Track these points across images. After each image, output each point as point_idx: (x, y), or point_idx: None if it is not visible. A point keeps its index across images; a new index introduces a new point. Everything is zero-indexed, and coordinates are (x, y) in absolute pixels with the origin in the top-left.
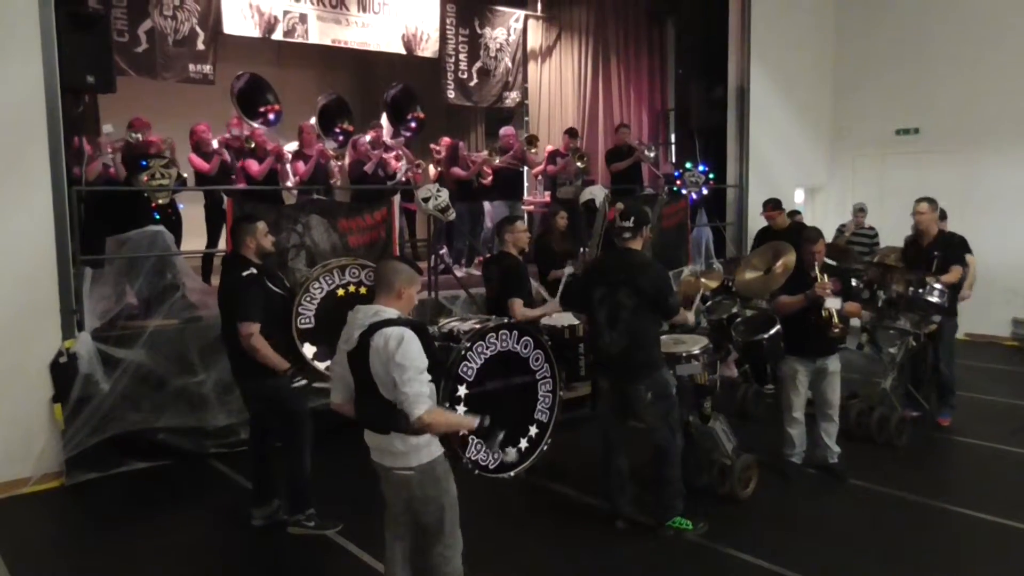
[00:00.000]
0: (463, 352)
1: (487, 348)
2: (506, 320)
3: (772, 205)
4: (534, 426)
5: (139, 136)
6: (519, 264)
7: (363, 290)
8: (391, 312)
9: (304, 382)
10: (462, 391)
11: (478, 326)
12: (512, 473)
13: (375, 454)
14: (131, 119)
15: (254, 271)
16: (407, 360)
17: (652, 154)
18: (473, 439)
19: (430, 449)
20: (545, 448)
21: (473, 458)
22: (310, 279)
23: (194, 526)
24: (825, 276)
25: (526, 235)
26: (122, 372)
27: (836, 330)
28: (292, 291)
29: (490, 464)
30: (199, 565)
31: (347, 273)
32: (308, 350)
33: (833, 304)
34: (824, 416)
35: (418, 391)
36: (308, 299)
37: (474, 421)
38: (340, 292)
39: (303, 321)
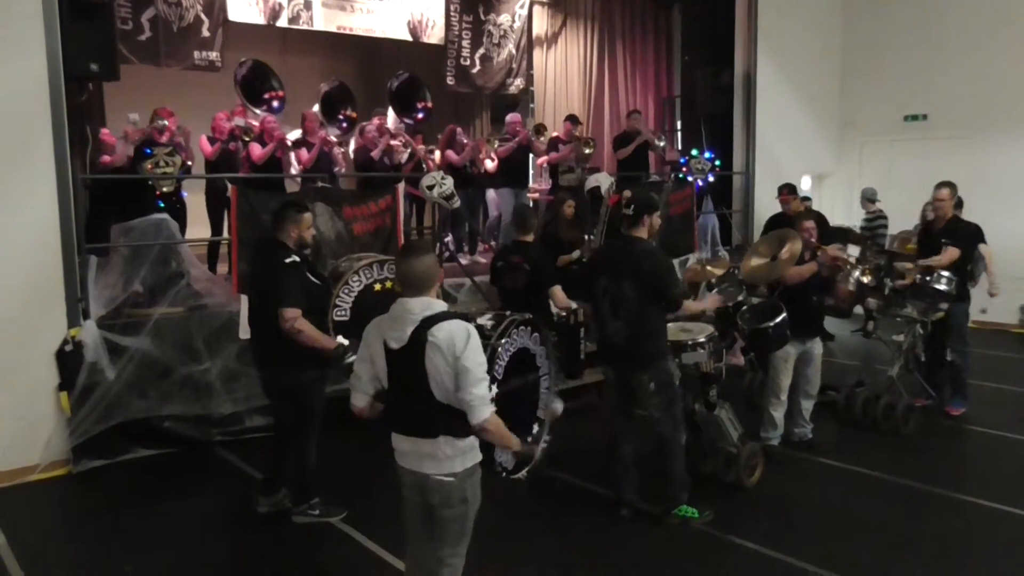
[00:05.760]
0: (498, 350)
1: (512, 345)
2: (524, 315)
3: (788, 189)
4: (536, 424)
5: (165, 123)
6: (546, 253)
7: (389, 284)
8: (441, 304)
9: (354, 357)
10: (494, 391)
11: (499, 320)
12: (524, 473)
13: (410, 460)
14: (155, 109)
15: (296, 259)
16: (475, 360)
17: (661, 143)
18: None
19: (474, 453)
20: (545, 445)
21: (499, 460)
22: (349, 272)
23: (199, 514)
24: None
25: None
26: (128, 360)
27: (868, 279)
28: (328, 282)
29: (509, 466)
30: (204, 552)
31: (386, 268)
32: (342, 343)
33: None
34: (806, 395)
35: (485, 393)
36: (346, 291)
37: (518, 443)
38: (377, 287)
39: (339, 313)
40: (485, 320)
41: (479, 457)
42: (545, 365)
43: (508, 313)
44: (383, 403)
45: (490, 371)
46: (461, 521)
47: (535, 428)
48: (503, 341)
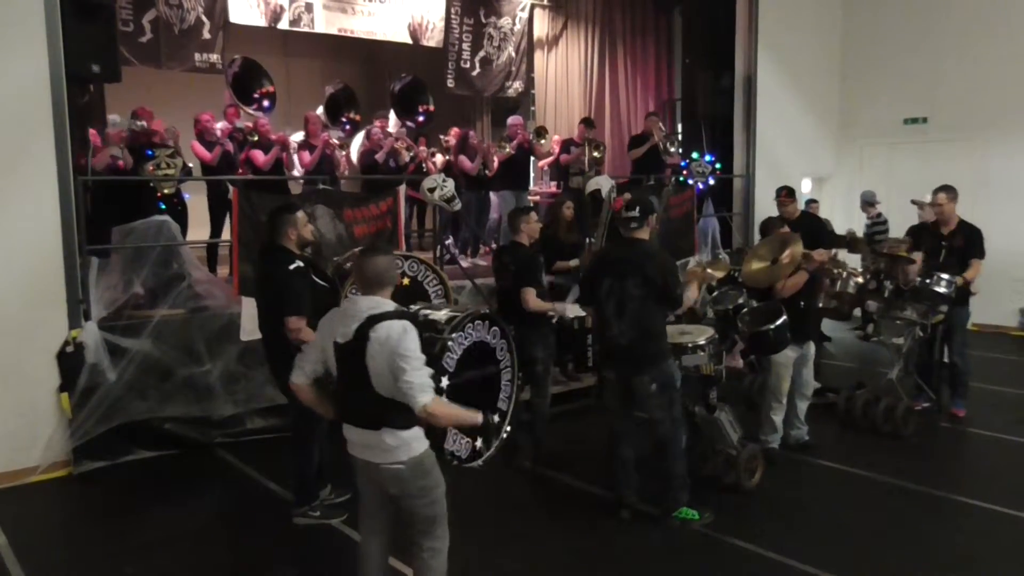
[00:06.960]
0: (448, 343)
1: (466, 338)
2: (482, 310)
3: (787, 192)
4: (496, 415)
5: (143, 123)
6: (534, 254)
7: (405, 281)
8: (390, 304)
9: None
10: (444, 383)
11: (455, 315)
12: (481, 462)
13: (359, 450)
14: (134, 109)
15: (301, 264)
16: (410, 350)
17: (672, 149)
18: (450, 431)
19: (420, 442)
20: (505, 436)
21: (450, 449)
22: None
23: (200, 515)
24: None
25: (539, 226)
26: (128, 362)
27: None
28: (335, 283)
29: (463, 454)
30: (205, 554)
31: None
32: None
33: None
34: (802, 396)
35: (423, 380)
36: (354, 291)
37: (478, 416)
38: None
39: None
40: (440, 315)
41: (426, 444)
42: (507, 359)
43: (467, 308)
44: (333, 394)
45: (438, 363)
46: (430, 508)
47: (495, 419)
48: (455, 335)
